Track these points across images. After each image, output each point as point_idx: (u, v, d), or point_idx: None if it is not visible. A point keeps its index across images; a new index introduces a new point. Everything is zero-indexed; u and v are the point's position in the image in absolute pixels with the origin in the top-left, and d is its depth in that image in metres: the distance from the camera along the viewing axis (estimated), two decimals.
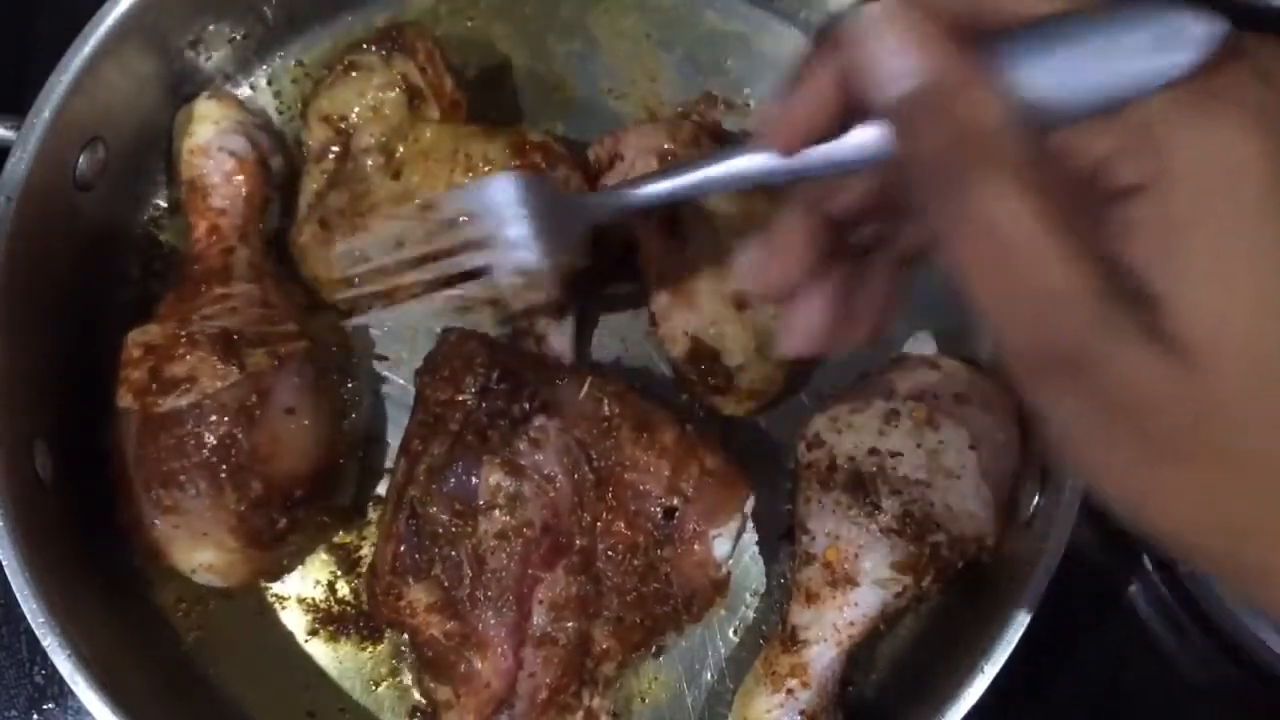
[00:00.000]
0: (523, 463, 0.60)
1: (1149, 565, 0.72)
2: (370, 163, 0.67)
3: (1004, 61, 0.36)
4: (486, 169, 0.65)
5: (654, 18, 0.78)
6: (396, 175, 0.66)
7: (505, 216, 0.58)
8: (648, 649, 0.64)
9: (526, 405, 0.61)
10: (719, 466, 0.63)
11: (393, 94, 0.68)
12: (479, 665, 0.60)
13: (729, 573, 0.64)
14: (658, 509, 0.62)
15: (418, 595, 0.60)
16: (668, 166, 0.63)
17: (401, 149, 0.67)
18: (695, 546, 0.62)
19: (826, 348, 0.46)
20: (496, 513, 0.60)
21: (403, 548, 0.60)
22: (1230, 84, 0.35)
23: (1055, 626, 0.60)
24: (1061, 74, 0.36)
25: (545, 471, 0.60)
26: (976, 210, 0.34)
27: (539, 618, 0.61)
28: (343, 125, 0.69)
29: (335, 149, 0.69)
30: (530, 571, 0.60)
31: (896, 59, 0.35)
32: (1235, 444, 0.33)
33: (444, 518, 0.60)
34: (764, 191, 0.67)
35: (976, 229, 0.34)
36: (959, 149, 0.34)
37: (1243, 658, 0.69)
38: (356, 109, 0.68)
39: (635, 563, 0.61)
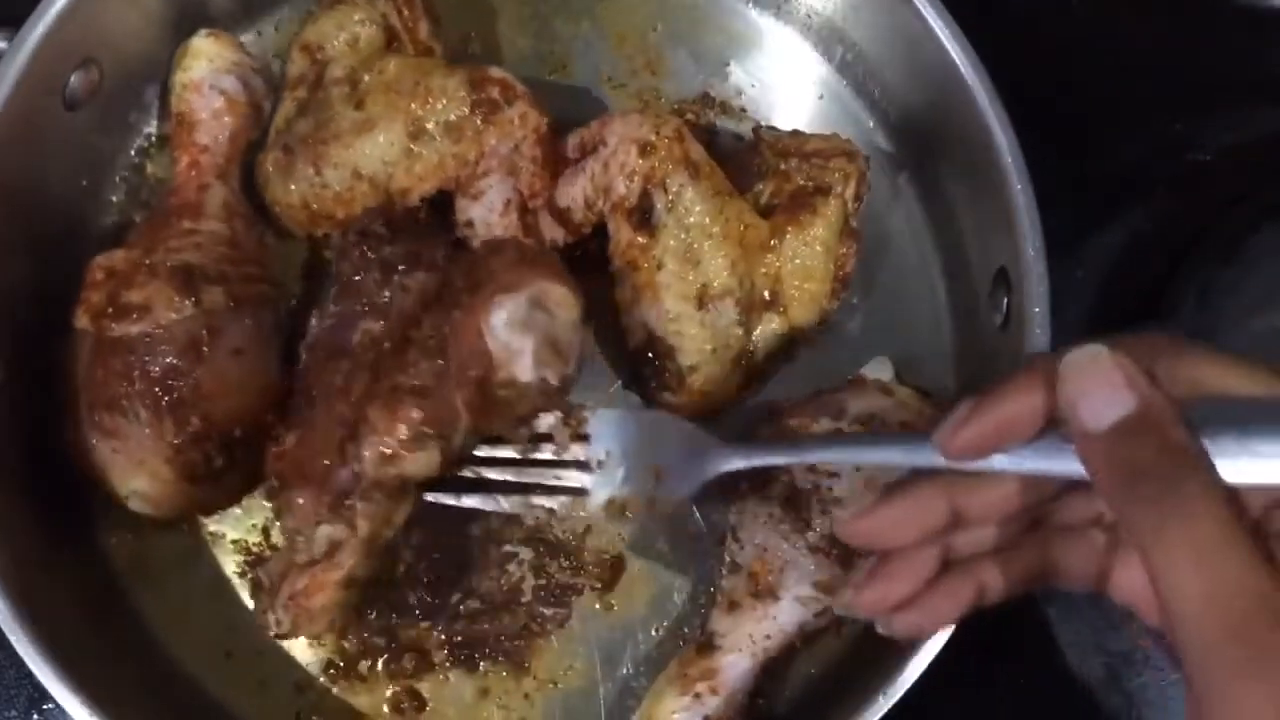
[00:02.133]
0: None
1: None
2: (336, 92, 0.68)
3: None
4: (444, 102, 0.66)
5: (665, 12, 0.78)
6: (359, 106, 0.67)
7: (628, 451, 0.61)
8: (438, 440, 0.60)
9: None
10: (530, 251, 0.63)
11: (370, 30, 0.69)
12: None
13: (499, 352, 0.60)
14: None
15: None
16: (828, 437, 0.64)
17: (367, 78, 0.68)
18: (475, 316, 0.60)
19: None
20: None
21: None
22: None
23: (1053, 630, 0.60)
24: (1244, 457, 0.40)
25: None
26: (1189, 508, 0.38)
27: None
28: (319, 56, 0.70)
29: (310, 78, 0.70)
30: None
31: (1109, 391, 0.41)
32: None
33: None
34: (736, 186, 0.67)
35: (1186, 526, 0.38)
36: (1168, 459, 0.39)
37: None
38: (334, 41, 0.69)
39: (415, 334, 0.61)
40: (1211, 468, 0.39)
